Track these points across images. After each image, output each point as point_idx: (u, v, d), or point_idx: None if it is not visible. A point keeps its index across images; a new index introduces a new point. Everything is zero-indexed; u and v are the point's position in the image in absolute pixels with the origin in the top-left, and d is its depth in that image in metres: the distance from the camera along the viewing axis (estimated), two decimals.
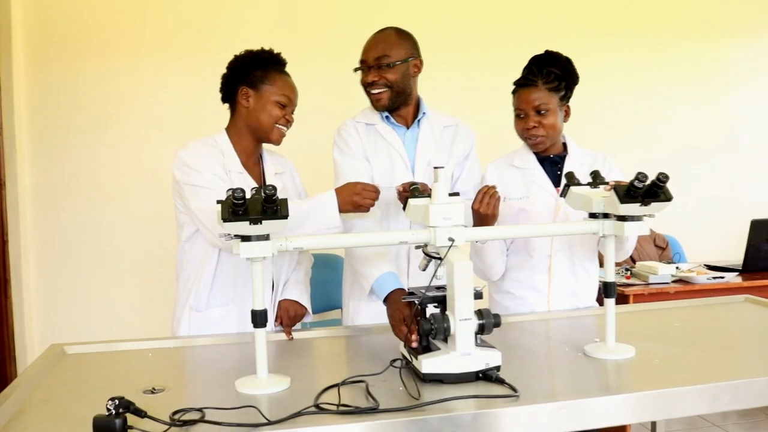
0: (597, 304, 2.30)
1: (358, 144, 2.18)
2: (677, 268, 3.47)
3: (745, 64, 4.62)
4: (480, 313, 1.54)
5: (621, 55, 4.24)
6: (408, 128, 2.23)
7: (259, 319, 1.51)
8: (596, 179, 1.82)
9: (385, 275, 1.91)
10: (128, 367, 1.75)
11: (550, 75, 2.15)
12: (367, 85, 2.16)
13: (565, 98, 2.20)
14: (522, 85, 2.19)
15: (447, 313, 1.54)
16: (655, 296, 3.23)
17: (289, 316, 2.06)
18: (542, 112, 2.16)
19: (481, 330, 1.54)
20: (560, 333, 2.02)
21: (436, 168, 1.61)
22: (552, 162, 2.27)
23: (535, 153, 2.27)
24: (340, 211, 1.89)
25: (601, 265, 2.10)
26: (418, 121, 2.23)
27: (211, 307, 2.05)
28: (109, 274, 3.70)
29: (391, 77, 2.12)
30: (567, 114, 2.23)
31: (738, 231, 4.13)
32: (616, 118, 4.36)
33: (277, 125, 2.05)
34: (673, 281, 3.38)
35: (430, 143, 2.21)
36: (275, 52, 2.09)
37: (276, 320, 2.07)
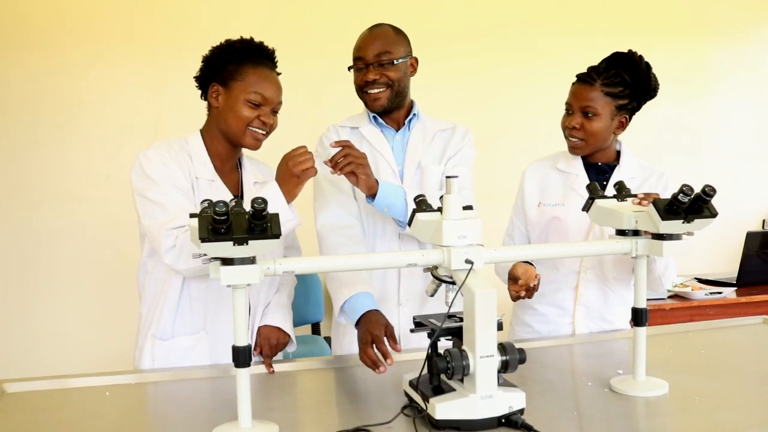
0: (628, 327, 2.11)
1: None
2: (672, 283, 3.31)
3: (729, 68, 4.52)
4: (503, 348, 1.32)
5: (605, 53, 4.08)
6: (398, 131, 2.05)
7: (241, 357, 1.26)
8: (621, 191, 1.62)
9: (357, 296, 1.73)
10: (82, 410, 1.48)
11: (616, 78, 1.94)
12: (364, 85, 1.96)
13: (626, 108, 1.99)
14: (580, 79, 2.00)
15: (464, 348, 1.31)
16: (651, 313, 3.05)
17: (271, 344, 1.81)
18: (589, 114, 1.96)
19: (505, 368, 1.32)
20: (584, 362, 1.83)
21: (448, 177, 1.38)
22: (599, 170, 2.07)
23: (582, 158, 2.07)
24: (290, 196, 1.64)
25: None
26: (409, 122, 2.05)
27: (179, 335, 1.78)
28: (59, 291, 3.40)
29: (392, 75, 1.95)
30: (621, 125, 2.02)
31: (726, 243, 4.01)
32: None
33: (250, 128, 1.78)
34: (669, 296, 3.22)
35: (420, 147, 2.02)
36: (257, 41, 1.83)
37: (255, 349, 1.81)
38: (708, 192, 1.37)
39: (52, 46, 3.35)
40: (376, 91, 1.95)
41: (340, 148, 1.74)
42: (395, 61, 1.93)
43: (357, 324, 1.68)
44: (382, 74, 1.93)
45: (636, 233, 1.53)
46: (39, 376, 1.66)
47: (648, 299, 3.03)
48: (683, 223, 1.41)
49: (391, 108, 1.99)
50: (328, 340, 3.55)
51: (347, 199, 1.96)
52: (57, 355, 3.34)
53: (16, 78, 3.33)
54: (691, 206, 1.40)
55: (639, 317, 1.54)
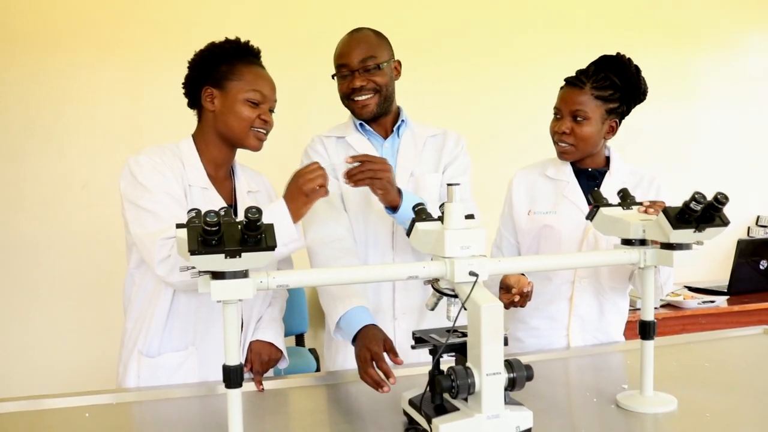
0: (623, 338, 2.06)
1: (325, 162, 1.92)
2: None
3: (714, 75, 4.52)
4: (509, 365, 1.25)
5: (590, 58, 4.06)
6: (386, 138, 1.98)
7: (233, 377, 1.17)
8: (626, 199, 1.56)
9: (353, 311, 1.65)
10: None
11: (605, 81, 1.90)
12: (351, 92, 1.89)
13: (616, 112, 1.94)
14: (569, 83, 1.95)
15: (469, 365, 1.24)
16: None
17: (262, 360, 1.72)
18: (579, 119, 1.91)
19: (512, 385, 1.25)
20: (584, 376, 1.77)
21: (450, 185, 1.32)
22: (590, 176, 2.02)
23: (571, 164, 2.02)
24: (296, 215, 1.56)
25: None
26: (398, 129, 1.98)
27: (166, 352, 1.69)
28: (33, 304, 3.27)
29: (380, 80, 1.89)
30: (612, 130, 1.97)
31: (713, 250, 3.98)
32: None
33: (253, 128, 1.72)
34: (661, 305, 3.18)
35: (411, 154, 1.95)
36: (243, 41, 1.76)
37: (246, 365, 1.72)
38: (720, 200, 1.32)
39: (28, 52, 3.24)
40: (364, 97, 1.88)
41: (357, 163, 1.66)
42: (381, 66, 1.87)
43: (354, 340, 1.60)
44: (369, 80, 1.87)
45: (642, 242, 1.47)
46: (10, 397, 1.55)
47: (639, 308, 3.01)
48: (695, 232, 1.35)
49: (380, 114, 1.93)
50: (312, 351, 3.47)
51: (337, 212, 1.89)
52: (30, 373, 3.22)
53: None
54: (703, 214, 1.34)
55: (647, 330, 1.48)
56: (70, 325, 3.30)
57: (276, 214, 1.52)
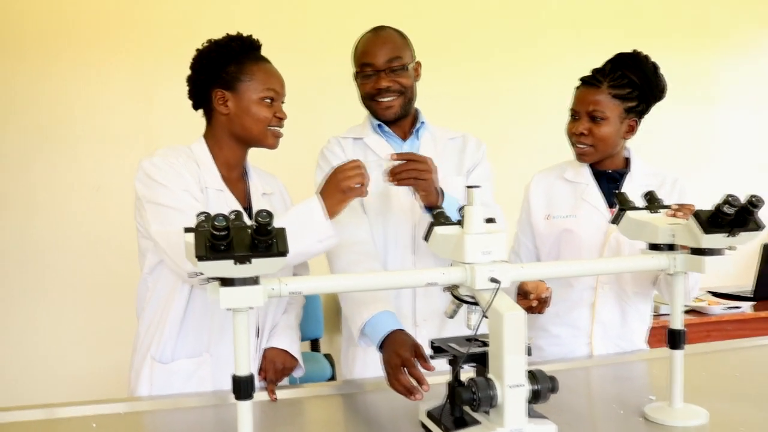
0: (647, 347, 2.00)
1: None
2: None
3: (734, 75, 4.41)
4: (533, 376, 1.19)
5: (606, 57, 4.00)
6: (405, 140, 1.93)
7: (243, 388, 1.13)
8: (652, 202, 1.49)
9: (379, 315, 1.57)
10: None
11: (623, 79, 1.84)
12: (376, 93, 1.84)
13: (634, 111, 1.88)
14: (585, 82, 1.90)
15: (490, 376, 1.18)
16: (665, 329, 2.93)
17: (276, 369, 1.67)
18: (597, 119, 1.85)
19: (535, 397, 1.19)
20: (608, 386, 1.71)
21: (469, 187, 1.26)
22: (610, 178, 1.96)
23: (590, 166, 1.96)
24: (331, 212, 1.51)
25: None
26: (417, 131, 1.93)
27: (180, 358, 1.65)
28: (45, 308, 3.24)
29: (405, 82, 1.84)
30: (631, 129, 1.91)
31: (735, 254, 3.89)
32: None
33: (270, 127, 1.68)
34: (684, 311, 3.09)
35: (432, 156, 1.88)
36: (245, 35, 1.71)
37: (259, 373, 1.68)
38: (755, 202, 1.26)
39: (40, 55, 3.22)
40: (388, 99, 1.84)
41: (402, 161, 1.62)
42: (406, 67, 1.83)
43: (381, 346, 1.52)
44: (395, 81, 1.82)
45: (671, 247, 1.41)
46: (15, 406, 1.51)
47: (663, 314, 2.93)
48: (727, 236, 1.29)
49: (402, 116, 1.89)
50: (327, 357, 3.42)
51: (357, 214, 1.83)
52: (41, 378, 3.18)
53: (2, 87, 3.20)
54: (736, 218, 1.28)
55: (676, 339, 1.42)
56: (81, 330, 3.27)
57: (311, 209, 1.48)
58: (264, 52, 1.74)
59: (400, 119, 1.90)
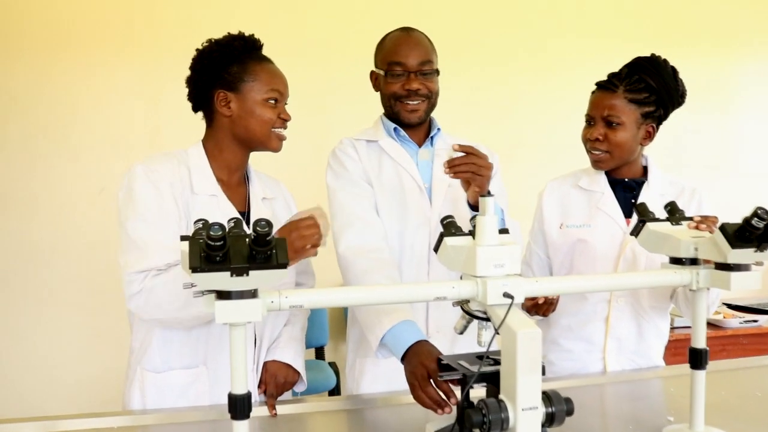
0: (663, 362, 1.94)
1: (357, 165, 1.82)
2: None
3: (752, 82, 4.33)
4: (548, 398, 1.12)
5: (622, 63, 3.94)
6: (420, 147, 1.88)
7: (239, 408, 1.06)
8: (674, 213, 1.42)
9: (401, 325, 1.49)
10: None
11: (640, 83, 1.78)
12: (406, 94, 1.79)
13: (652, 116, 1.82)
14: (600, 87, 1.84)
15: (502, 397, 1.12)
16: (681, 342, 2.85)
17: (277, 383, 1.61)
18: (613, 124, 1.79)
19: (550, 421, 1.13)
20: (623, 405, 1.63)
21: (483, 197, 1.20)
22: (626, 187, 1.89)
23: (606, 174, 1.90)
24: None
25: None
26: (432, 138, 1.88)
27: (174, 369, 1.58)
28: (48, 312, 3.21)
29: (433, 87, 1.81)
30: (649, 136, 1.85)
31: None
32: None
33: (274, 129, 1.63)
34: None
35: None
36: (247, 35, 1.66)
37: (259, 387, 1.61)
38: None
39: (43, 54, 3.20)
40: (415, 102, 1.79)
41: (463, 154, 1.59)
42: (436, 71, 1.81)
43: (403, 358, 1.45)
44: (424, 84, 1.78)
45: (693, 261, 1.33)
46: (8, 419, 1.46)
47: (677, 327, 2.85)
48: (756, 251, 1.22)
49: (423, 121, 1.85)
50: (332, 365, 3.36)
51: (373, 218, 1.76)
52: (41, 383, 3.16)
53: (5, 86, 3.18)
54: (766, 232, 1.20)
55: (699, 359, 1.34)
56: (83, 333, 3.24)
57: None
58: (266, 53, 1.69)
59: (419, 124, 1.85)
